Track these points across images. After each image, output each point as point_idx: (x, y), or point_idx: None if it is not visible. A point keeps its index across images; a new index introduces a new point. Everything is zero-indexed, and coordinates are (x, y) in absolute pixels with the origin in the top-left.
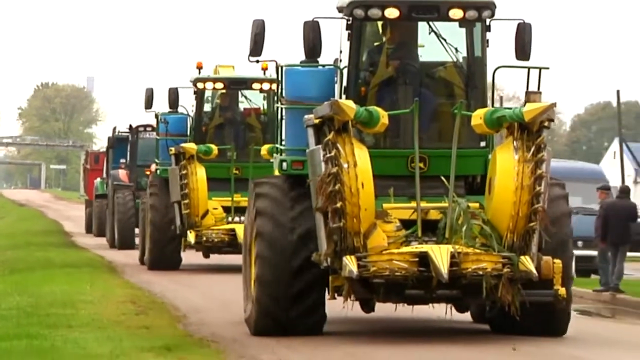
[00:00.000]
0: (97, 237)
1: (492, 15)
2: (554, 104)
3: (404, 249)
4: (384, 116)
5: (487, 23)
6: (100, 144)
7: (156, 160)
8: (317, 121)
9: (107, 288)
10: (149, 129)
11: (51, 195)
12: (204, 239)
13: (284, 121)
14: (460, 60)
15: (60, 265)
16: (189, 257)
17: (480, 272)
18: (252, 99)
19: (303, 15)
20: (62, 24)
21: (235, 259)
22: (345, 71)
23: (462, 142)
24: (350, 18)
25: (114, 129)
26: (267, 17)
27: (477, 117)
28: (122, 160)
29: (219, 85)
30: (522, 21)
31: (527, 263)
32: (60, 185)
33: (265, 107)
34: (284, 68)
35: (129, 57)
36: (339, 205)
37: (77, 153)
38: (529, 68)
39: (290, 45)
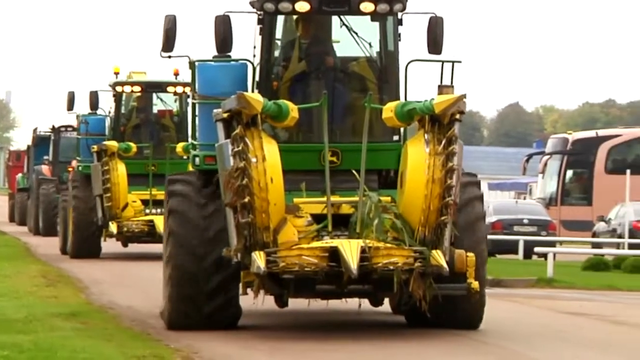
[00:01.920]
0: (19, 225)
1: (404, 8)
2: (464, 96)
3: (314, 244)
4: (293, 110)
5: (399, 17)
6: (16, 145)
7: (77, 158)
8: (225, 115)
9: (23, 265)
10: (69, 129)
11: None
12: (125, 229)
13: (197, 117)
14: (374, 54)
15: None
16: (108, 246)
17: (391, 267)
18: (166, 101)
19: (215, 10)
20: None
21: (153, 248)
22: (257, 66)
23: (374, 136)
24: (262, 12)
25: (35, 129)
26: (179, 12)
27: (388, 110)
28: (46, 157)
29: (136, 88)
30: (434, 15)
31: (439, 257)
32: None
33: (178, 108)
34: (196, 63)
35: (46, 68)
36: (247, 200)
37: None
38: (442, 61)
39: (202, 41)
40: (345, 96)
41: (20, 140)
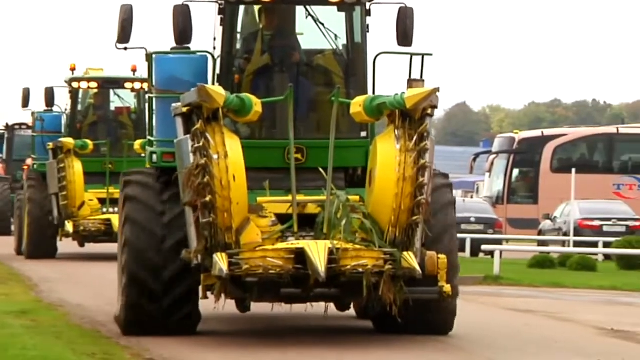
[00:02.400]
0: None
1: None
2: (437, 89)
3: (279, 245)
4: (257, 104)
5: (367, 7)
6: None
7: (33, 156)
8: (185, 109)
9: None
10: (24, 127)
11: None
12: (82, 228)
13: (154, 112)
14: (340, 47)
15: None
16: (64, 246)
17: (361, 270)
18: (124, 98)
19: (173, 0)
20: None
21: (110, 247)
22: (218, 58)
23: (341, 132)
24: (223, 2)
25: None
26: (136, 2)
27: (356, 105)
28: (0, 155)
29: (93, 84)
30: (404, 5)
31: (410, 259)
32: None
33: (136, 105)
34: (153, 55)
35: None
36: (208, 199)
37: None
38: (410, 54)
39: (160, 32)
40: (311, 90)
41: None
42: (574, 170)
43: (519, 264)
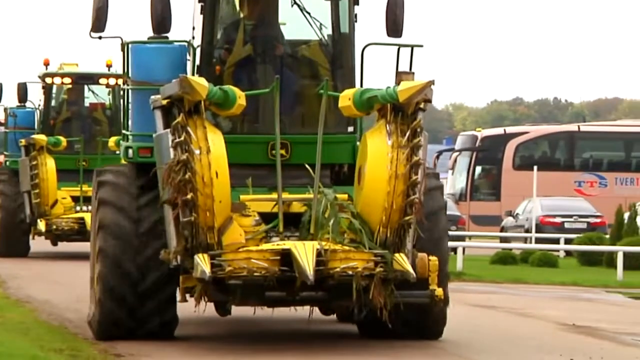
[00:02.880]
0: None
1: None
2: (432, 82)
3: (264, 246)
4: (240, 97)
5: None
6: None
7: (5, 152)
8: (164, 102)
9: None
10: None
11: None
12: (54, 227)
13: (130, 105)
14: (326, 37)
15: None
16: (37, 244)
17: (350, 272)
18: (99, 94)
19: None
20: None
21: (84, 246)
22: (198, 49)
23: (327, 127)
24: None
25: None
26: None
27: (345, 99)
28: None
29: (67, 80)
30: None
31: (403, 262)
32: None
33: (111, 101)
34: (129, 45)
35: None
36: (189, 196)
37: None
38: (399, 46)
39: (136, 20)
40: (295, 83)
41: None
42: (535, 167)
43: (482, 260)
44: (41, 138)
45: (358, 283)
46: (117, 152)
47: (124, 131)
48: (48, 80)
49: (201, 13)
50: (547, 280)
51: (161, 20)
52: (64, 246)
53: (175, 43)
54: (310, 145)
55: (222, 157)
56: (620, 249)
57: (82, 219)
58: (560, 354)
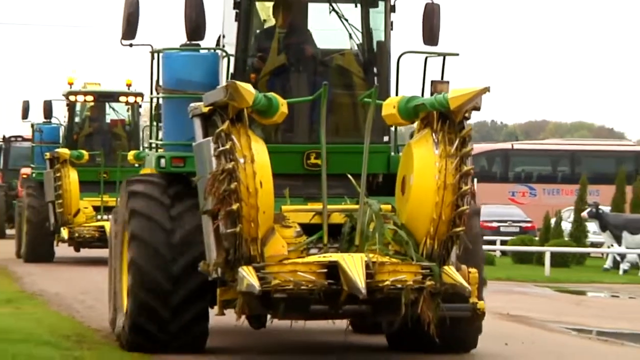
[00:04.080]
0: None
1: None
2: (487, 89)
3: (310, 259)
4: (283, 105)
5: (392, 3)
6: None
7: (32, 165)
8: (205, 110)
9: None
10: (19, 138)
11: None
12: (76, 234)
13: (161, 113)
14: (362, 45)
15: None
16: (62, 251)
17: (400, 285)
18: (119, 111)
19: None
20: None
21: (105, 252)
22: (232, 56)
23: (363, 137)
24: None
25: None
26: None
27: (390, 107)
28: None
29: (89, 98)
30: (430, 1)
31: (454, 274)
32: None
33: (130, 118)
34: (160, 53)
35: None
36: (235, 207)
37: None
38: (439, 54)
39: (166, 28)
40: (330, 92)
41: None
42: (475, 180)
43: None
44: (65, 152)
45: (407, 297)
46: (136, 164)
47: (151, 141)
48: (72, 98)
49: (235, 20)
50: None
51: (195, 27)
52: (86, 252)
53: (208, 50)
54: (346, 154)
55: (266, 166)
56: (547, 249)
57: (103, 227)
58: (496, 338)
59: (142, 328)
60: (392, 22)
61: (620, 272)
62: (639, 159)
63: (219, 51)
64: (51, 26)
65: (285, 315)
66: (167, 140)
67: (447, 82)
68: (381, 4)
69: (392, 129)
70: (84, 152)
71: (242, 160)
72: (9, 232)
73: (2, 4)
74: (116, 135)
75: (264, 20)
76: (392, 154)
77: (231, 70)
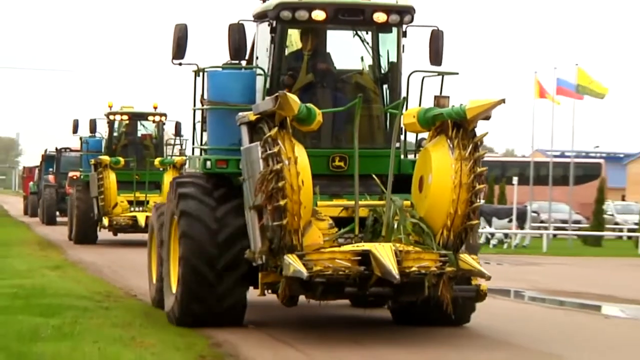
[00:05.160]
0: (31, 217)
1: (412, 20)
2: (503, 101)
3: (345, 248)
4: (319, 114)
5: (404, 29)
6: (21, 165)
7: (80, 169)
8: (253, 118)
9: (25, 236)
10: (68, 150)
11: None
12: (114, 222)
13: (204, 123)
14: (376, 65)
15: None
16: (103, 235)
17: (424, 271)
18: (147, 127)
19: (227, 19)
20: None
21: (136, 236)
22: (268, 74)
23: (377, 143)
24: (275, 21)
25: (45, 150)
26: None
27: (410, 116)
28: (51, 169)
29: (125, 117)
30: (436, 28)
31: (471, 261)
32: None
33: (156, 133)
34: (205, 71)
35: (53, 103)
36: (282, 202)
37: (6, 170)
38: (442, 73)
39: (206, 49)
40: (346, 104)
41: (24, 162)
42: None
43: None
44: (106, 158)
45: (430, 281)
46: (161, 169)
47: (194, 146)
48: (111, 117)
49: (272, 43)
50: None
51: (238, 48)
52: (122, 236)
53: (246, 68)
54: (364, 158)
55: (307, 167)
56: None
57: (135, 217)
58: None
59: (192, 311)
60: (403, 45)
61: (490, 246)
62: (504, 166)
63: (256, 69)
64: (95, 62)
65: (322, 296)
66: (211, 145)
67: (448, 97)
68: (394, 30)
69: (402, 137)
70: (120, 159)
71: (287, 162)
72: (59, 219)
73: (59, 47)
74: (145, 146)
75: (291, 44)
76: (402, 157)
77: (267, 86)
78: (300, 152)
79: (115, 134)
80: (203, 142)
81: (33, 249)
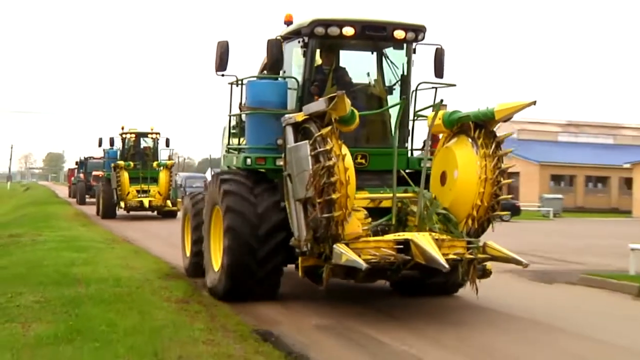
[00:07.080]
0: (72, 198)
1: (424, 38)
2: (534, 102)
3: (388, 237)
4: (357, 116)
5: (414, 47)
6: (66, 167)
7: (103, 170)
8: (300, 119)
9: (68, 210)
10: (92, 158)
11: (51, 183)
12: (127, 204)
13: (243, 125)
14: (389, 77)
15: (52, 203)
16: (120, 212)
17: (459, 258)
18: (147, 142)
19: (264, 35)
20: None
21: (142, 214)
22: (301, 83)
23: (389, 143)
24: (308, 37)
25: (79, 158)
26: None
27: (436, 119)
28: (82, 170)
29: (132, 135)
30: (439, 46)
31: (499, 247)
32: (54, 180)
33: (152, 145)
34: (244, 80)
35: (90, 127)
36: (335, 196)
37: (56, 170)
38: (445, 85)
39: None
40: (363, 110)
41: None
42: None
43: None
44: (121, 163)
45: (464, 266)
46: (157, 169)
47: (229, 146)
48: (123, 135)
49: (304, 56)
50: None
51: (276, 60)
52: (132, 214)
53: (280, 79)
54: (381, 156)
55: (351, 163)
56: None
57: (141, 201)
58: None
59: (237, 287)
60: (413, 60)
61: None
62: None
63: (289, 79)
64: (110, 98)
65: (364, 280)
66: (249, 145)
67: (445, 105)
68: (405, 46)
69: (410, 138)
70: (131, 163)
71: (335, 159)
72: (88, 200)
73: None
74: (146, 154)
75: (317, 59)
76: (409, 155)
77: (299, 94)
78: (345, 150)
79: (126, 146)
80: (239, 144)
81: (72, 217)
